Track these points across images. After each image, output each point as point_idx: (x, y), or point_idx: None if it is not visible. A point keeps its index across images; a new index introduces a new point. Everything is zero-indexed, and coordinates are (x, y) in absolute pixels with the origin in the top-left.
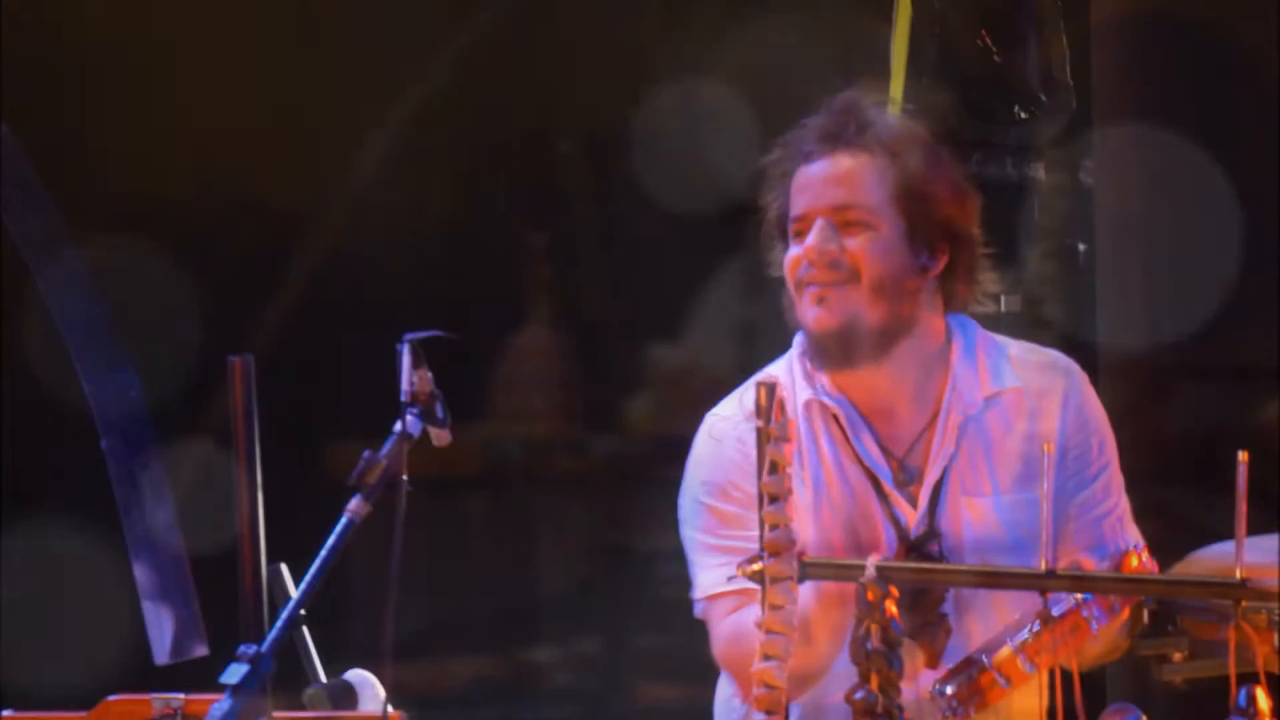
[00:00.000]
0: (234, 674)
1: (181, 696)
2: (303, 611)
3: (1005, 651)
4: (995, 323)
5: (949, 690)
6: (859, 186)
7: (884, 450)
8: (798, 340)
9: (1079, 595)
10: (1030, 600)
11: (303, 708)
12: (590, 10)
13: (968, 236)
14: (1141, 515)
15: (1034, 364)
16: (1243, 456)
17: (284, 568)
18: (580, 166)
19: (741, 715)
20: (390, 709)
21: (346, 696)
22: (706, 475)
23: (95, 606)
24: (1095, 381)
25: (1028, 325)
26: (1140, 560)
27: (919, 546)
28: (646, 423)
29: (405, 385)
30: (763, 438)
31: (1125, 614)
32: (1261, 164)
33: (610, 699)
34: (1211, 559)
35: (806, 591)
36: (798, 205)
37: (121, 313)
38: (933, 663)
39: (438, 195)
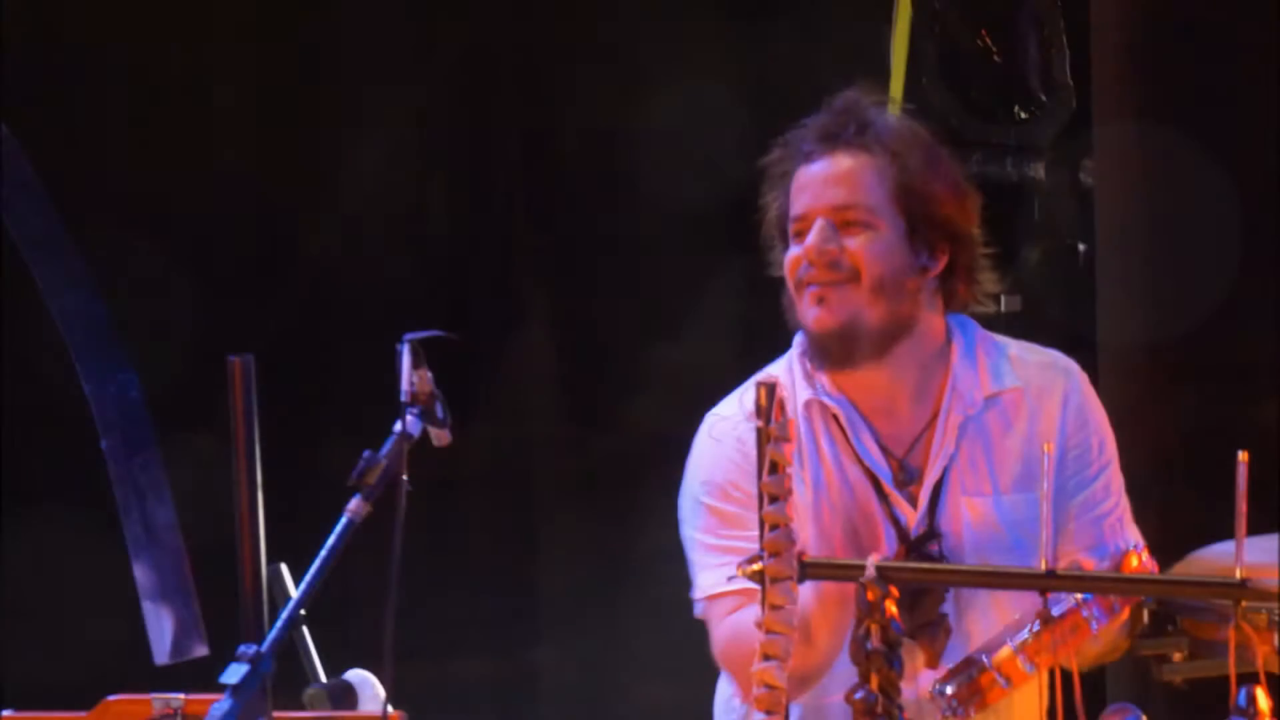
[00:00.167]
0: (234, 674)
1: (181, 696)
2: (303, 611)
3: (1005, 651)
4: (995, 323)
5: (949, 690)
6: (859, 186)
7: (884, 450)
8: (798, 340)
9: (1079, 595)
10: (1030, 600)
11: (303, 708)
12: (590, 9)
13: (968, 236)
14: (1141, 515)
15: (1034, 364)
16: (1243, 456)
17: (284, 568)
18: (581, 165)
19: (741, 715)
20: (390, 709)
21: (346, 696)
22: (706, 475)
23: (95, 606)
24: (1095, 381)
25: (1028, 325)
26: (1140, 560)
27: (919, 546)
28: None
29: (405, 385)
30: (763, 438)
31: (1125, 614)
32: (1261, 164)
33: (610, 699)
34: (1211, 559)
35: (806, 591)
36: (798, 205)
37: (121, 312)
38: (933, 663)
39: (438, 195)
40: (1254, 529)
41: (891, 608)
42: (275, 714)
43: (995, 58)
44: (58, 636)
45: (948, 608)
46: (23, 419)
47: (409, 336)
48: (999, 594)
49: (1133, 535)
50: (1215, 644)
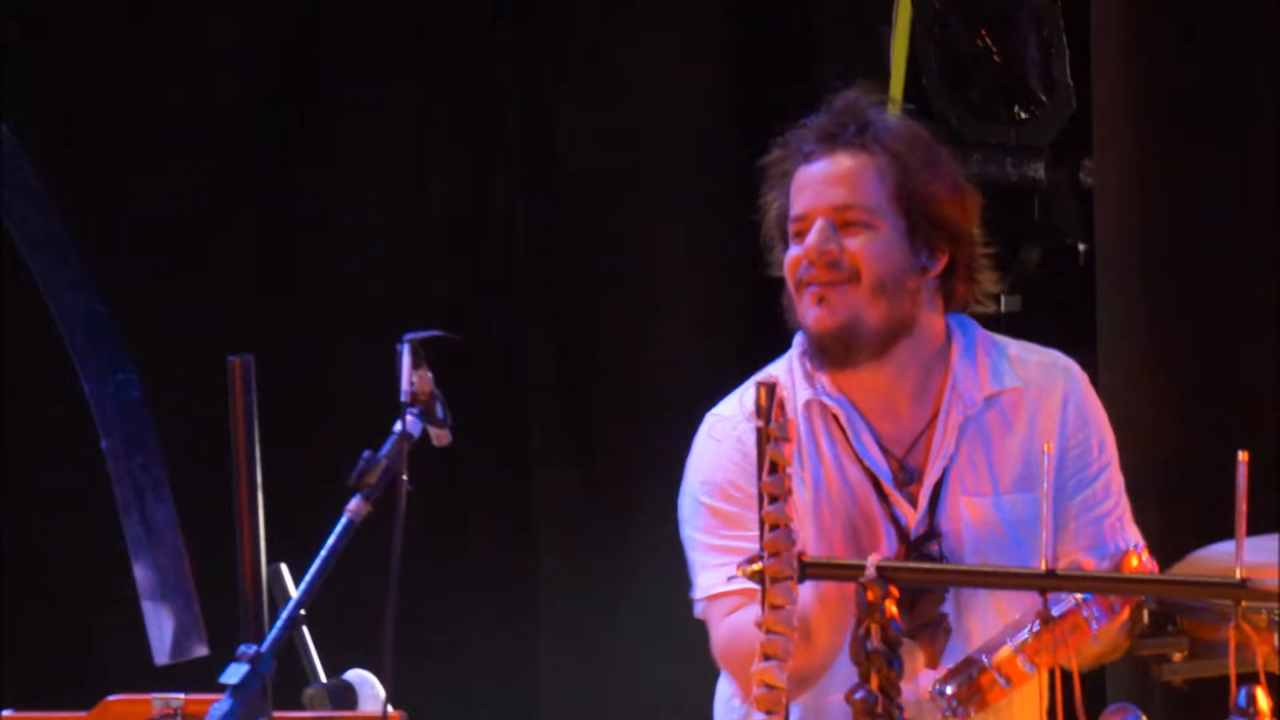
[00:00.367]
0: (234, 674)
1: (181, 696)
2: (303, 611)
3: (1005, 651)
4: (995, 323)
5: (949, 690)
6: (859, 186)
7: (884, 450)
8: (798, 340)
9: (1079, 595)
10: (1030, 600)
11: (303, 708)
12: (590, 9)
13: (968, 236)
14: (1141, 515)
15: (1034, 364)
16: (1243, 456)
17: (284, 568)
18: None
19: (741, 715)
20: (390, 709)
21: (346, 696)
22: (706, 475)
23: (95, 606)
24: (1095, 381)
25: (1028, 325)
26: (1140, 560)
27: (919, 546)
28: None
29: (405, 385)
30: (763, 438)
31: (1125, 614)
32: (1261, 164)
33: (610, 699)
34: (1211, 559)
35: (806, 591)
36: (798, 205)
37: (122, 313)
38: (933, 663)
39: (438, 195)
40: (1254, 529)
41: (891, 608)
42: (275, 714)
43: (995, 58)
44: (58, 636)
45: (948, 608)
46: (23, 419)
47: (409, 336)
48: (999, 594)
49: (1133, 535)
50: (1215, 644)
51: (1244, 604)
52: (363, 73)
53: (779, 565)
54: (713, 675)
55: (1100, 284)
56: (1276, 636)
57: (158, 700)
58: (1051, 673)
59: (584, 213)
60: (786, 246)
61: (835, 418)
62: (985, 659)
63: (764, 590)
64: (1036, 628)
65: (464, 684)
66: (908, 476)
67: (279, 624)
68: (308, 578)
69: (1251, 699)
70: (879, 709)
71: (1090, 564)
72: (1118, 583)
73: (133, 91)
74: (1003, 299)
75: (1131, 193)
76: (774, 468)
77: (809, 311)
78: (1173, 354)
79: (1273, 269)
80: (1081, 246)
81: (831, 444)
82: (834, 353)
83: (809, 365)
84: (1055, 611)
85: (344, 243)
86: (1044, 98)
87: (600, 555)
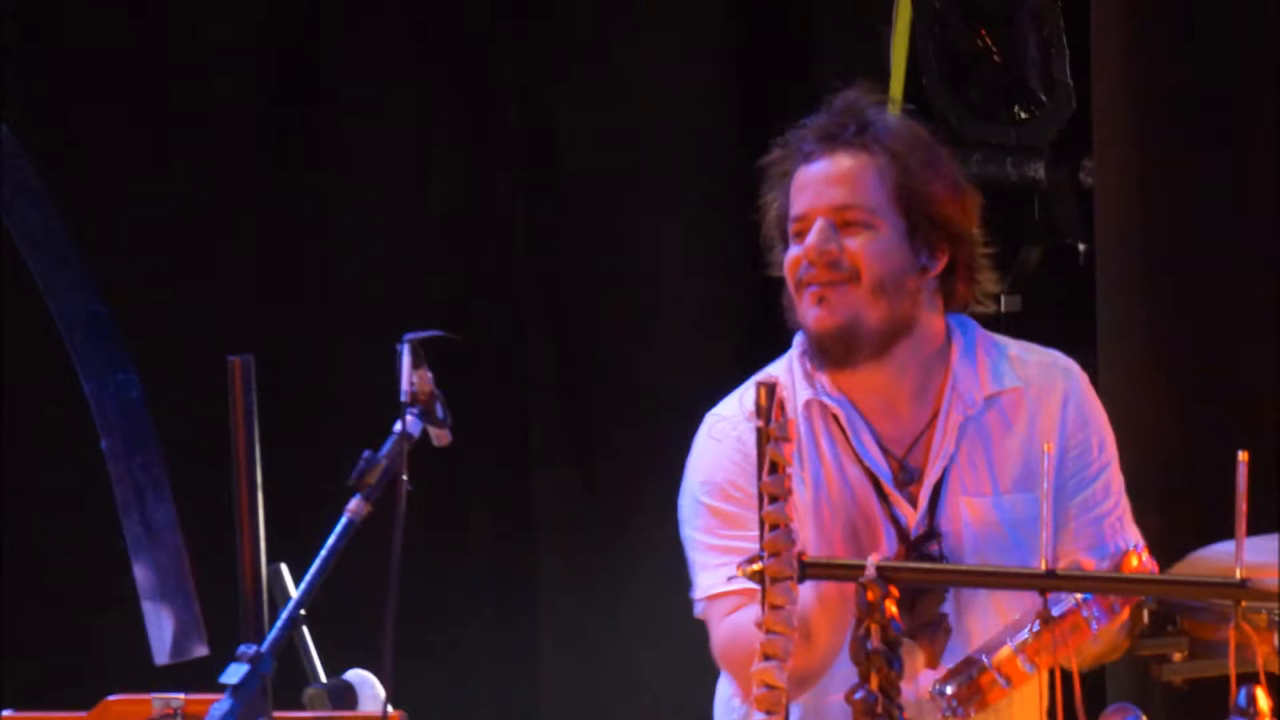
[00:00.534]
0: (234, 674)
1: (181, 696)
2: (303, 611)
3: (1005, 651)
4: (995, 323)
5: (949, 690)
6: (859, 186)
7: (884, 450)
8: (798, 340)
9: (1079, 595)
10: (1030, 600)
11: (303, 708)
12: (590, 9)
13: (968, 236)
14: (1141, 515)
15: (1034, 364)
16: (1243, 456)
17: (284, 568)
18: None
19: (741, 715)
20: (390, 709)
21: (346, 696)
22: (706, 475)
23: (95, 606)
24: (1095, 381)
25: (1028, 325)
26: (1140, 560)
27: (919, 546)
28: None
29: (405, 385)
30: (763, 438)
31: (1125, 614)
32: (1261, 164)
33: (610, 699)
34: (1211, 559)
35: (806, 591)
36: (798, 205)
37: (122, 312)
38: (933, 663)
39: (438, 195)
40: (1254, 529)
41: (891, 608)
42: (275, 714)
43: (995, 58)
44: (58, 636)
45: (948, 608)
46: (23, 419)
47: (409, 336)
48: (999, 594)
49: (1133, 535)
50: (1215, 644)
51: (1244, 604)
52: (363, 73)
53: (779, 565)
54: (713, 675)
55: (1100, 284)
56: (1276, 636)
57: (158, 700)
58: (1051, 673)
59: (584, 213)
60: (786, 246)
61: (835, 418)
62: (985, 659)
63: (764, 590)
64: (1036, 628)
65: (464, 684)
66: (908, 476)
67: (279, 624)
68: (308, 578)
69: (1251, 699)
70: (879, 709)
71: (1090, 564)
72: (1118, 583)
73: (133, 91)
74: (1003, 299)
75: (1131, 193)
76: (774, 468)
77: (809, 311)
78: (1173, 354)
79: (1273, 269)
80: (1081, 246)
81: (831, 444)
82: (834, 353)
83: (809, 365)
84: (1055, 611)
85: (344, 243)
86: (1044, 98)
87: (600, 555)
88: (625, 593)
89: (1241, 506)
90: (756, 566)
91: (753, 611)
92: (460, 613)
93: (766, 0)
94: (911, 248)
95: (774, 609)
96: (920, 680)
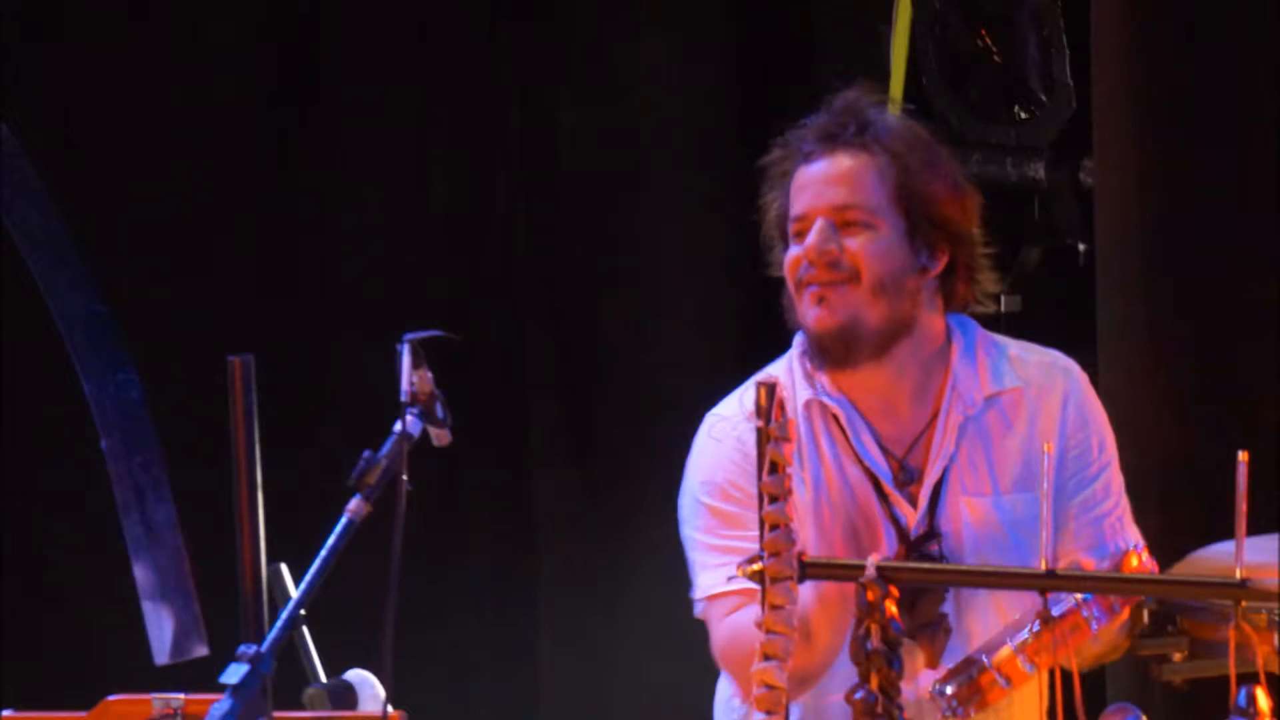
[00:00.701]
0: (234, 674)
1: (181, 696)
2: (303, 611)
3: (1005, 651)
4: (995, 323)
5: (949, 690)
6: (859, 186)
7: (884, 450)
8: (798, 340)
9: (1079, 595)
10: (1030, 600)
11: (303, 708)
12: (590, 9)
13: (968, 236)
14: (1141, 515)
15: (1034, 364)
16: (1243, 456)
17: (284, 568)
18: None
19: (741, 715)
20: (390, 709)
21: (346, 696)
22: (706, 475)
23: (95, 606)
24: (1095, 381)
25: (1028, 325)
26: (1140, 560)
27: (919, 546)
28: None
29: (405, 385)
30: (763, 438)
31: (1125, 614)
32: (1261, 164)
33: (610, 699)
34: (1211, 559)
35: (806, 591)
36: (798, 205)
37: (122, 313)
38: (933, 663)
39: (438, 195)
40: (1254, 529)
41: (891, 608)
42: (275, 714)
43: (995, 58)
44: (58, 636)
45: (948, 608)
46: (23, 419)
47: (409, 336)
48: (999, 594)
49: (1133, 535)
50: (1215, 644)
51: (1244, 604)
52: (363, 73)
53: (779, 565)
54: (713, 675)
55: (1100, 284)
56: (1276, 636)
57: (158, 700)
58: (1051, 673)
59: (584, 213)
60: (786, 246)
61: (835, 418)
62: (985, 659)
63: (764, 590)
64: (1036, 628)
65: (464, 684)
66: (908, 476)
67: (279, 624)
68: (308, 578)
69: (1251, 699)
70: (879, 709)
71: (1090, 564)
72: (1118, 583)
73: (133, 91)
74: (1003, 299)
75: (1131, 193)
76: (774, 468)
77: (809, 311)
78: (1173, 354)
79: (1273, 269)
80: (1081, 246)
81: (831, 444)
82: (834, 353)
83: (809, 365)
84: (1055, 611)
85: (344, 243)
86: (1044, 98)
87: (600, 555)
88: (625, 593)
89: (1241, 506)
90: (756, 566)
91: (753, 611)
92: (460, 613)
93: (766, 0)
94: (911, 248)
95: (774, 609)
96: (920, 680)
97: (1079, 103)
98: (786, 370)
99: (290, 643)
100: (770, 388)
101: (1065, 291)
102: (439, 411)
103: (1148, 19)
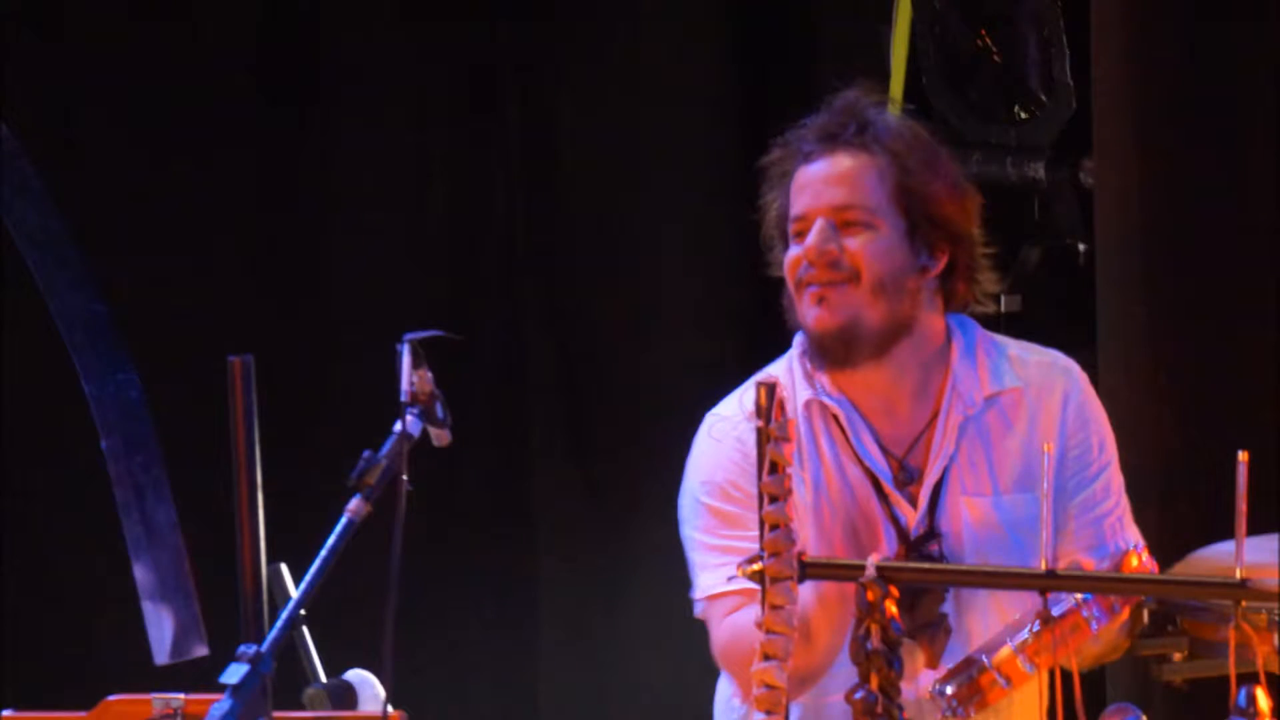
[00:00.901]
0: (234, 674)
1: (181, 696)
2: (303, 611)
3: (1005, 651)
4: (995, 323)
5: (949, 690)
6: (859, 186)
7: (884, 450)
8: (798, 340)
9: (1079, 595)
10: (1030, 600)
11: (303, 708)
12: (590, 9)
13: (968, 236)
14: (1141, 515)
15: (1034, 364)
16: (1243, 456)
17: (284, 568)
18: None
19: (741, 715)
20: (390, 709)
21: (346, 696)
22: (706, 475)
23: (95, 606)
24: (1095, 381)
25: (1028, 325)
26: (1140, 560)
27: (919, 546)
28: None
29: (405, 385)
30: (763, 438)
31: (1125, 614)
32: (1261, 164)
33: (610, 699)
34: (1211, 559)
35: (806, 591)
36: (798, 205)
37: (122, 312)
38: (933, 663)
39: (438, 195)
40: (1254, 529)
41: (891, 608)
42: (275, 714)
43: (995, 58)
44: (58, 636)
45: (948, 608)
46: (23, 419)
47: (409, 336)
48: (999, 594)
49: (1133, 535)
50: (1215, 644)
51: (1244, 604)
52: (363, 73)
53: (779, 565)
54: (713, 675)
55: (1100, 284)
56: (1276, 636)
57: (158, 700)
58: (1051, 673)
59: (584, 213)
60: (786, 246)
61: (835, 418)
62: (985, 659)
63: (764, 590)
64: (1036, 628)
65: (464, 684)
66: (908, 476)
67: (279, 624)
68: (308, 578)
69: (1251, 699)
70: (879, 709)
71: (1090, 564)
72: (1118, 583)
73: (133, 91)
74: (1003, 299)
75: (1131, 193)
76: (774, 468)
77: (809, 311)
78: (1173, 354)
79: (1273, 269)
80: (1081, 246)
81: (831, 444)
82: (834, 353)
83: (809, 365)
84: (1055, 611)
85: (344, 243)
86: (1044, 98)
87: (600, 555)
88: (625, 593)
89: (1241, 506)
90: (756, 566)
91: (753, 611)
92: (460, 613)
93: (766, 0)
94: (911, 248)
95: (774, 609)
96: (920, 680)
97: (1079, 103)
98: (786, 370)
99: (290, 643)
100: (770, 388)
101: (1065, 291)
102: (439, 411)
103: (1148, 19)
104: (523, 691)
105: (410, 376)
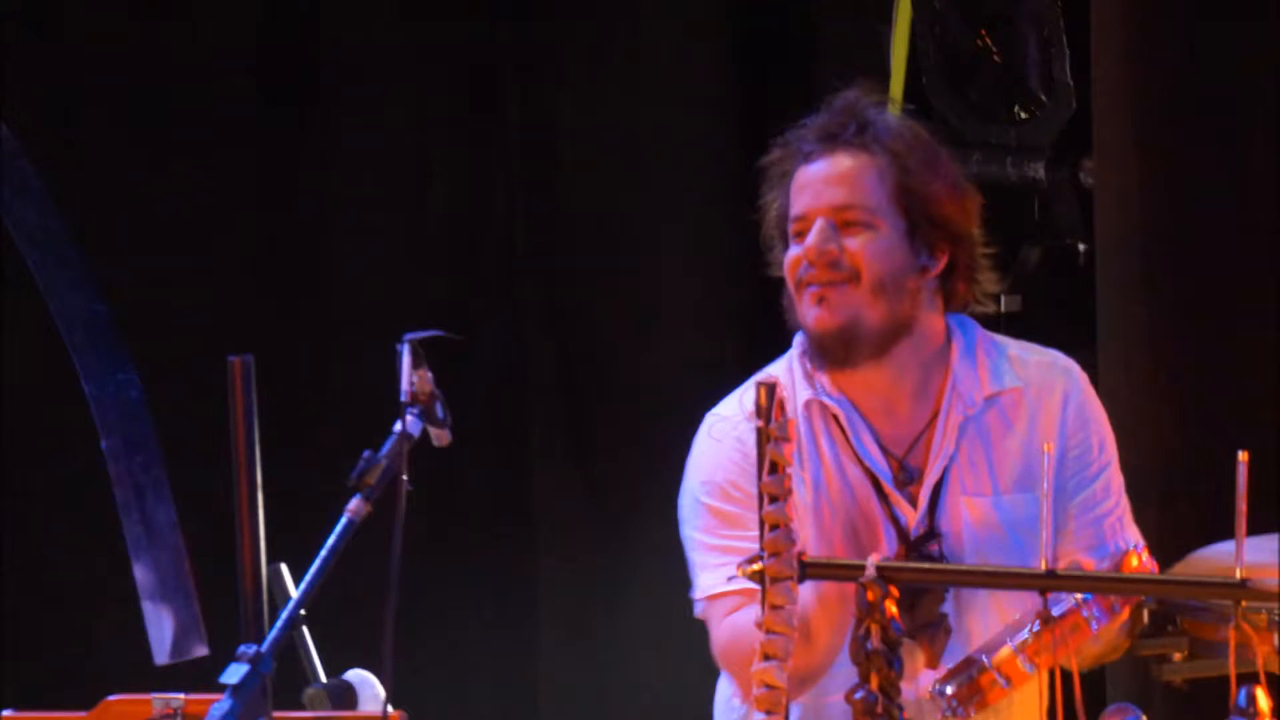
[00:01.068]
0: (234, 674)
1: (181, 696)
2: (303, 611)
3: (1005, 651)
4: (995, 323)
5: (949, 690)
6: (859, 186)
7: (884, 450)
8: (798, 340)
9: (1079, 595)
10: (1030, 600)
11: (303, 708)
12: (590, 9)
13: (968, 236)
14: (1141, 515)
15: (1034, 364)
16: (1243, 456)
17: (284, 568)
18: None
19: (741, 715)
20: (390, 709)
21: (346, 696)
22: (706, 475)
23: (95, 606)
24: (1095, 381)
25: (1028, 325)
26: (1140, 560)
27: (919, 546)
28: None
29: (405, 385)
30: (763, 438)
31: (1125, 614)
32: (1261, 164)
33: (610, 699)
34: (1211, 559)
35: (806, 591)
36: (798, 205)
37: (122, 312)
38: (933, 663)
39: (438, 195)
40: (1254, 529)
41: (891, 608)
42: (275, 714)
43: (995, 58)
44: (58, 636)
45: (948, 608)
46: (23, 419)
47: (409, 336)
48: (999, 594)
49: (1133, 535)
50: (1215, 644)
51: (1244, 604)
52: (363, 73)
53: (779, 565)
54: (713, 675)
55: (1100, 284)
56: (1276, 636)
57: (158, 700)
58: (1051, 673)
59: (584, 213)
60: (786, 246)
61: (835, 418)
62: (985, 659)
63: (764, 590)
64: (1036, 628)
65: (464, 684)
66: (908, 476)
67: (279, 624)
68: (308, 578)
69: (1251, 699)
70: (879, 709)
71: (1090, 564)
72: (1118, 583)
73: (133, 91)
74: (1003, 299)
75: (1131, 193)
76: (774, 468)
77: (809, 311)
78: (1173, 354)
79: (1273, 269)
80: (1081, 246)
81: (831, 444)
82: (834, 353)
83: (809, 365)
84: (1055, 611)
85: (344, 243)
86: (1044, 98)
87: (600, 555)
88: (625, 593)
89: (1241, 506)
90: (756, 566)
91: (753, 611)
92: (460, 613)
93: (766, 0)
94: (911, 248)
95: (774, 609)
96: (920, 680)
97: (1079, 103)
98: (786, 370)
99: (290, 643)
100: (770, 388)
101: (1065, 291)
102: (439, 411)
103: (1148, 19)
104: (523, 691)
105: (410, 376)
